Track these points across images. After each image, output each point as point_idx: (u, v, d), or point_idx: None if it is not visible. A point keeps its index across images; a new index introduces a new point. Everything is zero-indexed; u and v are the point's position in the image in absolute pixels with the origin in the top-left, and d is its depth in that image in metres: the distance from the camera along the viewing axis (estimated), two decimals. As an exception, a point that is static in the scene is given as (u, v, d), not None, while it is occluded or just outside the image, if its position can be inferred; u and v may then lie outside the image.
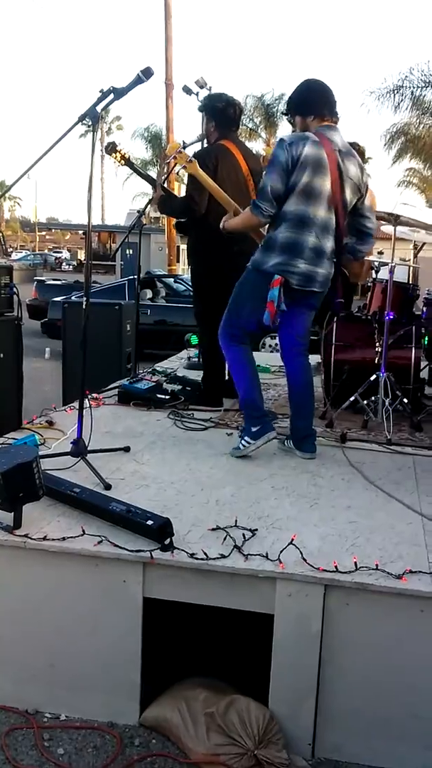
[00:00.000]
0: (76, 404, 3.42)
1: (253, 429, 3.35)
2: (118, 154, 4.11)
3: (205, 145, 4.66)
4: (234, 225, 3.55)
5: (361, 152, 5.50)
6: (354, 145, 5.46)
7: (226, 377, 4.65)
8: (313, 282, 3.29)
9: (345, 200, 3.29)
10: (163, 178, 4.70)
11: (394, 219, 4.15)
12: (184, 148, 4.83)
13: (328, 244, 3.29)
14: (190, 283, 11.97)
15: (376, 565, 2.23)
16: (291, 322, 3.43)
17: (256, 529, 2.49)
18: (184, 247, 23.17)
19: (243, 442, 3.37)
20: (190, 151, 4.89)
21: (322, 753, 2.26)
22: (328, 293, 3.43)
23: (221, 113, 4.37)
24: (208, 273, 4.36)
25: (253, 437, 3.35)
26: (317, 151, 3.18)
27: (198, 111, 4.53)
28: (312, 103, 3.32)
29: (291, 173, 3.17)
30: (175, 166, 5.16)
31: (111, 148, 4.13)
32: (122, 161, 4.19)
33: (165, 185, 4.64)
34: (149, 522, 2.36)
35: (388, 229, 4.43)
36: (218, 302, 4.43)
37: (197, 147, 4.93)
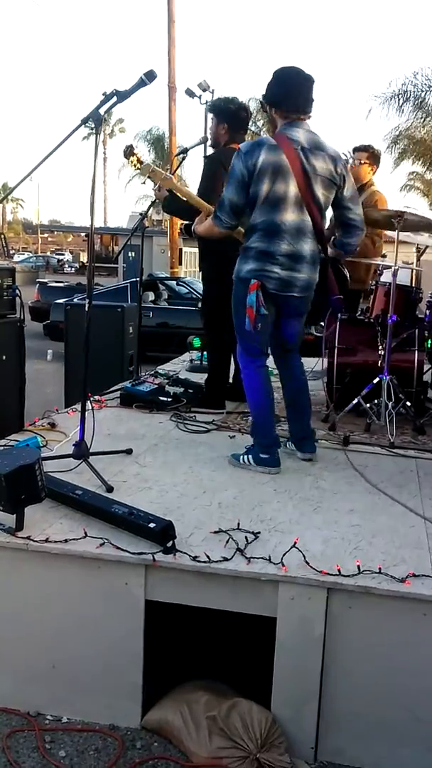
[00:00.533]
0: (78, 406, 3.42)
1: (262, 456, 3.27)
2: (135, 157, 4.13)
3: (209, 147, 4.67)
4: (200, 230, 3.55)
5: (377, 156, 5.50)
6: (369, 148, 5.48)
7: (230, 380, 4.65)
8: (292, 287, 3.20)
9: (317, 198, 3.16)
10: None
11: (398, 221, 4.14)
12: (186, 152, 4.85)
13: (306, 246, 3.19)
14: (192, 286, 12.02)
15: (379, 569, 2.23)
16: (278, 327, 3.40)
17: (259, 532, 2.49)
18: (186, 249, 23.25)
19: (246, 458, 3.30)
20: (192, 153, 4.92)
21: (325, 756, 2.26)
22: (320, 293, 3.36)
23: (234, 116, 4.38)
24: (220, 278, 4.35)
25: (258, 462, 3.27)
26: (275, 157, 3.05)
27: (209, 112, 4.53)
28: (278, 94, 3.19)
29: (249, 185, 3.08)
30: (179, 166, 5.18)
31: (129, 152, 4.14)
32: (138, 165, 4.21)
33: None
34: (151, 524, 2.36)
35: (391, 232, 4.43)
36: (227, 307, 4.45)
37: (199, 150, 4.95)
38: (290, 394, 3.50)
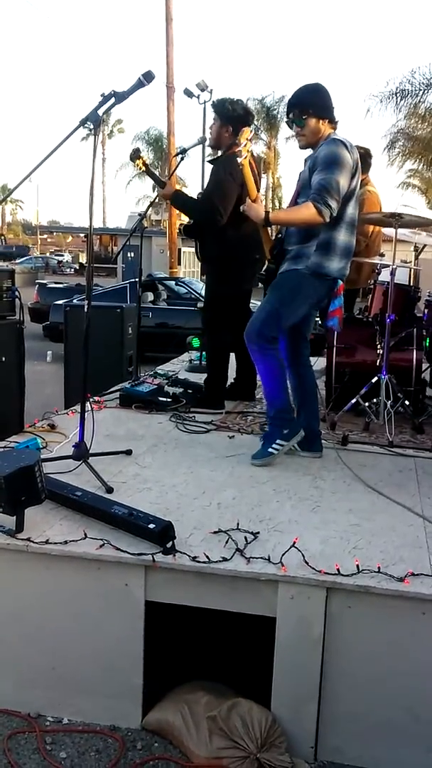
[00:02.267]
0: (77, 407, 3.42)
1: (285, 431, 3.33)
2: (140, 161, 4.21)
3: (208, 146, 4.68)
4: (288, 219, 3.35)
5: (368, 153, 5.49)
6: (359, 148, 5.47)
7: (229, 381, 4.66)
8: None
9: None
10: (164, 180, 4.70)
11: (396, 221, 4.14)
12: (184, 152, 4.84)
13: None
14: (191, 286, 12.02)
15: (378, 568, 2.23)
16: (309, 327, 3.45)
17: (258, 532, 2.49)
18: (185, 249, 23.26)
19: (274, 446, 3.32)
20: (192, 153, 4.92)
21: (325, 756, 2.26)
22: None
23: (241, 120, 4.36)
24: (228, 281, 4.36)
25: (286, 438, 3.33)
26: (357, 156, 3.23)
27: (213, 111, 4.52)
28: (328, 106, 3.30)
29: (353, 177, 3.18)
30: (178, 166, 5.19)
31: (135, 155, 4.23)
32: (143, 168, 4.26)
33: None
34: (151, 525, 2.37)
35: (389, 231, 4.43)
36: (230, 310, 4.45)
37: (198, 150, 4.95)
38: (311, 398, 3.55)
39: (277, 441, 3.34)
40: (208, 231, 4.36)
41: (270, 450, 3.33)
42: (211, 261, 4.46)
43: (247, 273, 4.33)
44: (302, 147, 3.35)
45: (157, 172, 4.56)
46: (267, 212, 3.29)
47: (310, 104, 3.27)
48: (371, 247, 5.36)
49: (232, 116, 4.34)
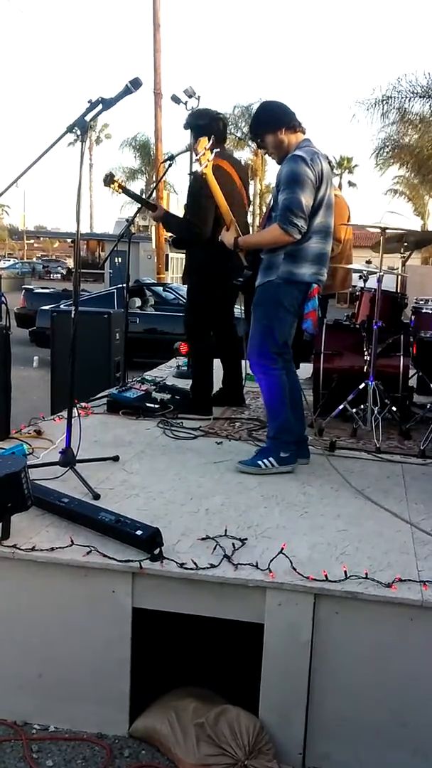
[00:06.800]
0: (64, 413, 3.41)
1: (283, 454, 3.32)
2: (115, 184, 4.21)
3: (195, 158, 4.68)
4: (257, 242, 3.43)
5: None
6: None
7: (217, 387, 4.66)
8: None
9: None
10: (151, 186, 4.72)
11: (382, 230, 4.17)
12: (172, 158, 4.85)
13: None
14: (179, 292, 12.01)
15: (366, 574, 2.23)
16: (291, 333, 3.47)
17: (246, 539, 2.49)
18: (173, 255, 23.25)
19: (266, 461, 3.31)
20: (179, 160, 4.93)
21: (313, 762, 2.26)
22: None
23: (206, 130, 4.36)
24: (210, 288, 4.38)
25: (280, 462, 3.31)
26: (326, 165, 3.27)
27: (184, 129, 4.53)
28: (278, 115, 3.34)
29: (318, 189, 3.21)
30: (166, 172, 5.21)
31: (109, 180, 4.21)
32: (120, 190, 4.27)
33: (154, 194, 4.66)
34: (138, 532, 2.36)
35: (374, 229, 4.47)
36: (211, 315, 4.48)
37: (185, 157, 4.96)
38: (296, 403, 3.50)
39: (271, 459, 3.32)
40: (193, 240, 4.38)
41: (259, 463, 3.32)
42: (196, 270, 4.48)
43: (226, 280, 4.35)
44: (279, 162, 3.40)
45: (140, 190, 4.60)
46: (236, 238, 3.48)
47: (259, 125, 3.39)
48: (344, 252, 5.41)
49: (200, 129, 4.33)
